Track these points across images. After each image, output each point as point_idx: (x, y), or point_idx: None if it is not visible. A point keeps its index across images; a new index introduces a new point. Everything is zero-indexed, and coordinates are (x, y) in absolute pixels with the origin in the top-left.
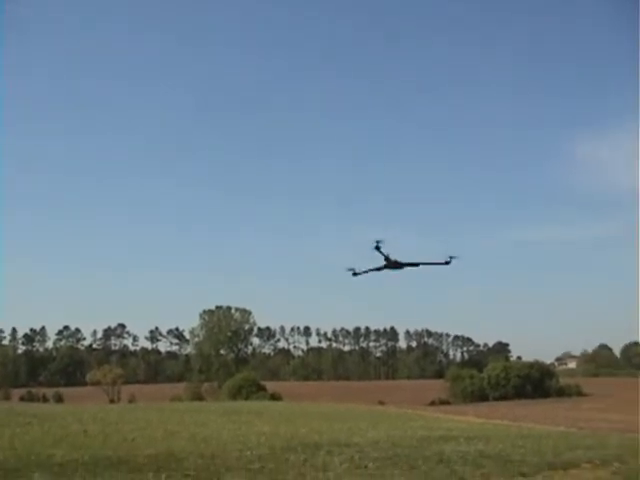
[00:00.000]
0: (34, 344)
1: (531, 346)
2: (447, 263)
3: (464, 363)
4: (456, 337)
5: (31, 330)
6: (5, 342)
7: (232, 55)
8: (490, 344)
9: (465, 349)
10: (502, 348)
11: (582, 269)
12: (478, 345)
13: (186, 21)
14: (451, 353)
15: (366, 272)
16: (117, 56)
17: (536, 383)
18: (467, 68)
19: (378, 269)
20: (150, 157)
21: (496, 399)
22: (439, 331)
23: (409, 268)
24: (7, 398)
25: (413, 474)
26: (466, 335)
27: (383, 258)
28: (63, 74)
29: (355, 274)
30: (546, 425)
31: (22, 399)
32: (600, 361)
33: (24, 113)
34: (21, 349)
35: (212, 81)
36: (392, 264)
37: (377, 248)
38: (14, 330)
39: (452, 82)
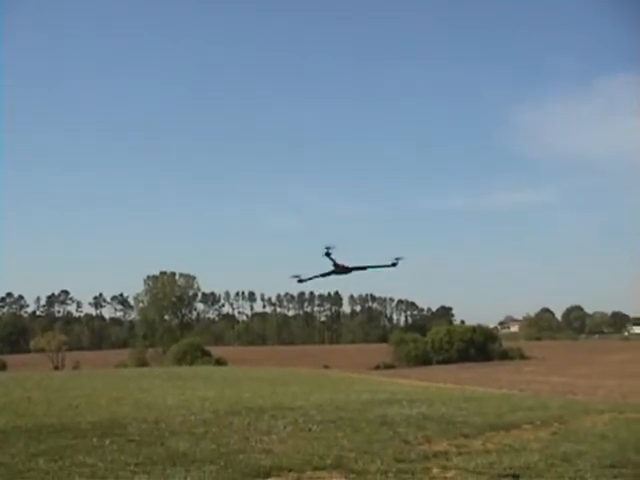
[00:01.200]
0: None
1: (474, 310)
2: (394, 265)
3: (408, 327)
4: (400, 301)
5: None
6: None
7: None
8: (434, 308)
9: (409, 313)
10: (445, 312)
11: (524, 233)
12: (422, 309)
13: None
14: (395, 317)
15: (311, 279)
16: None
17: (479, 347)
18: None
19: (324, 275)
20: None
21: (440, 363)
22: (383, 296)
23: None
24: None
25: (356, 436)
26: (410, 299)
27: (332, 263)
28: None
29: (300, 281)
30: (489, 388)
31: None
32: (542, 325)
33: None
34: None
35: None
36: (340, 269)
37: (327, 254)
38: None
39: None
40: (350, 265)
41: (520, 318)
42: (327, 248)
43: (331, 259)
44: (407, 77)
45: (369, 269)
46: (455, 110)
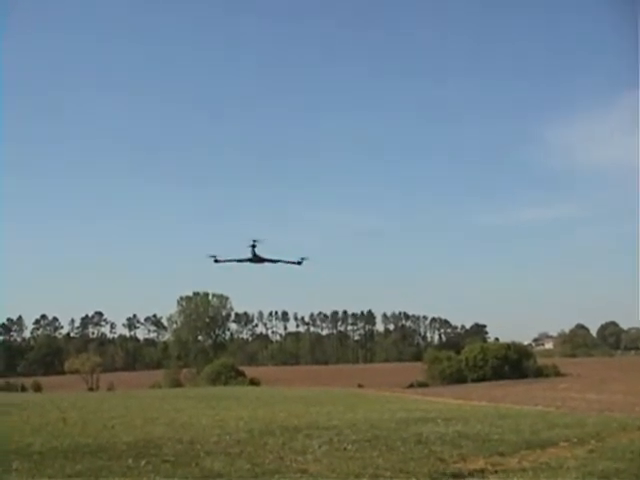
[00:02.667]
0: (11, 334)
1: (508, 327)
2: (299, 263)
3: (442, 345)
4: (433, 319)
5: (8, 320)
6: None
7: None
8: (467, 326)
9: (442, 331)
10: (479, 330)
11: (557, 250)
12: (455, 327)
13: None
14: (429, 335)
15: (229, 261)
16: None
17: (514, 364)
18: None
19: (240, 261)
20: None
21: (474, 381)
22: (416, 314)
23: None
24: None
25: (392, 455)
26: (443, 317)
27: (251, 252)
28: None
29: (216, 261)
30: (524, 405)
31: (0, 389)
32: (577, 341)
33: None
34: None
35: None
36: (255, 259)
37: (253, 246)
38: None
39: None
40: (265, 257)
41: (555, 335)
42: (254, 241)
43: (253, 251)
44: (435, 95)
45: (279, 263)
46: (483, 128)
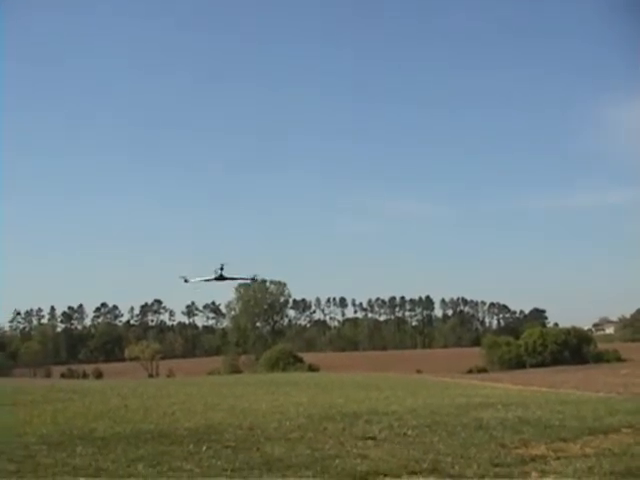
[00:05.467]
0: (72, 322)
1: (568, 312)
2: (254, 280)
3: (500, 330)
4: (492, 304)
5: (69, 308)
6: (44, 321)
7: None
8: (526, 311)
9: (501, 316)
10: (538, 315)
11: (618, 235)
12: (514, 312)
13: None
14: (487, 321)
15: (196, 281)
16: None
17: (573, 349)
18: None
19: (207, 280)
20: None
21: (533, 366)
22: (475, 299)
23: None
24: (48, 375)
25: (452, 440)
26: (502, 302)
27: (218, 274)
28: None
29: (186, 281)
30: (585, 391)
31: (63, 376)
32: (638, 326)
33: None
34: (60, 327)
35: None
36: (219, 278)
37: (221, 269)
38: (53, 309)
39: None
40: (227, 276)
41: (615, 319)
42: (222, 265)
43: (220, 272)
44: (491, 80)
45: (235, 280)
46: (537, 113)
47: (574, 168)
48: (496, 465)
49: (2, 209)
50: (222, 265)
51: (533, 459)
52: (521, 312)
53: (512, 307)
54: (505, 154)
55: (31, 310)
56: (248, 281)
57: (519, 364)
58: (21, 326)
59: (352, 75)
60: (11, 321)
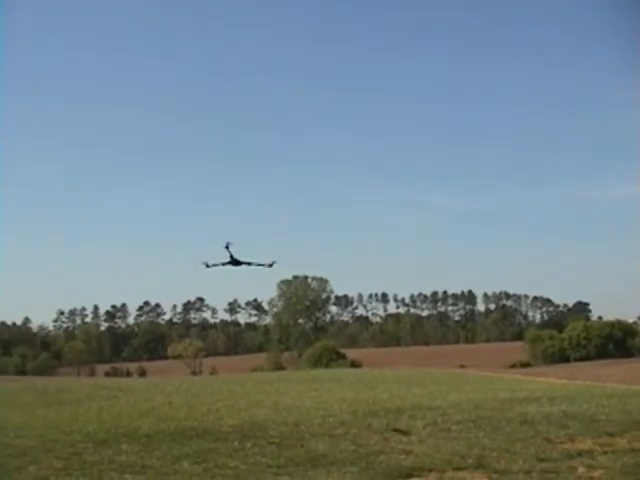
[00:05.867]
0: (116, 320)
1: (612, 305)
2: (270, 265)
3: (544, 324)
4: (535, 298)
5: (112, 307)
6: (88, 320)
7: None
8: (570, 304)
9: (544, 310)
10: (582, 308)
11: None
12: (558, 305)
13: None
14: (530, 315)
15: (216, 265)
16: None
17: (618, 342)
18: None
19: (224, 264)
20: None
21: (577, 360)
22: (517, 293)
23: None
24: (92, 374)
25: (497, 435)
26: (545, 296)
27: (229, 256)
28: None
29: (208, 266)
30: (631, 385)
31: (107, 374)
32: None
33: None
34: (104, 326)
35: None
36: (233, 262)
37: (227, 247)
38: (96, 308)
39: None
40: (242, 260)
41: None
42: (227, 243)
43: (229, 252)
44: (543, 76)
45: (251, 265)
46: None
47: (618, 157)
48: (542, 460)
49: (46, 209)
50: (228, 244)
51: (580, 454)
52: (564, 305)
53: (555, 300)
54: (546, 145)
55: (75, 309)
56: (263, 266)
57: (563, 358)
58: (65, 325)
59: (394, 72)
60: (55, 320)
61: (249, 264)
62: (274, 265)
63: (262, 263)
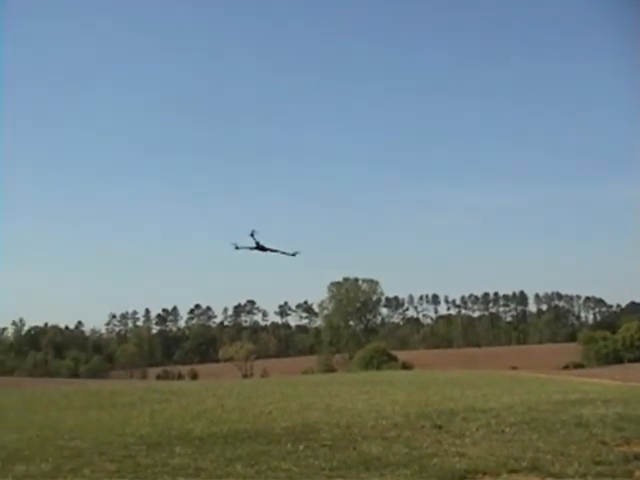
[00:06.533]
0: (167, 324)
1: None
2: (293, 255)
3: (597, 325)
4: (587, 299)
5: (164, 310)
6: (139, 323)
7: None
8: (623, 305)
9: (597, 311)
10: (635, 308)
11: None
12: (610, 306)
13: None
14: (583, 315)
15: (244, 248)
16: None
17: None
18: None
19: (251, 249)
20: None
21: (631, 361)
22: (570, 293)
23: None
24: (144, 377)
25: (551, 438)
26: (598, 296)
27: (254, 242)
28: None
29: (237, 248)
30: None
31: (158, 377)
32: None
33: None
34: (155, 329)
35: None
36: (259, 247)
37: (252, 235)
38: (147, 311)
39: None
40: (267, 246)
41: None
42: (252, 231)
43: (254, 239)
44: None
45: (276, 252)
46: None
47: None
48: (598, 463)
49: (100, 215)
50: (253, 231)
51: (636, 457)
52: (618, 306)
53: (608, 301)
54: (591, 144)
55: (126, 313)
56: (287, 254)
57: (616, 359)
58: (117, 329)
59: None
60: (107, 324)
61: (274, 251)
62: (297, 254)
63: (286, 252)
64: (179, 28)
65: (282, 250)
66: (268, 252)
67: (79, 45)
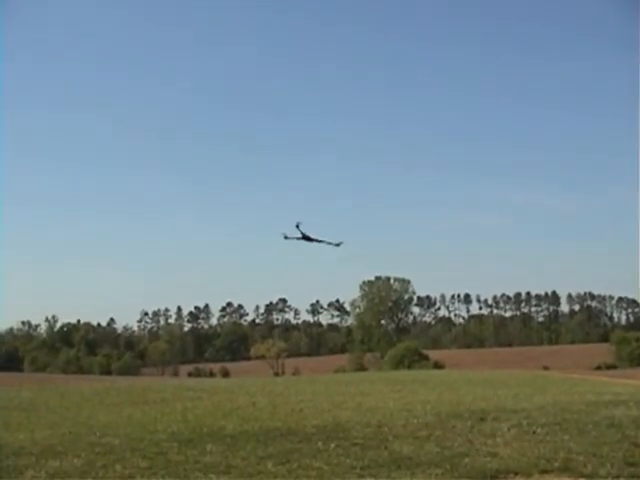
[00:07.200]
0: (199, 321)
1: None
2: (337, 245)
3: (630, 326)
4: (620, 299)
5: (196, 308)
6: (171, 321)
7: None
8: None
9: (630, 311)
10: None
11: None
12: None
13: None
14: (615, 316)
15: (292, 238)
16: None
17: None
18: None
19: (298, 239)
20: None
21: None
22: (602, 293)
23: None
24: (176, 374)
25: (583, 439)
26: (631, 297)
27: (300, 233)
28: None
29: (286, 237)
30: None
31: (190, 375)
32: None
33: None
34: (187, 327)
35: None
36: (305, 238)
37: (297, 226)
38: (179, 309)
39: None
40: (312, 237)
41: None
42: (298, 223)
43: (300, 231)
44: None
45: (321, 242)
46: None
47: None
48: (631, 465)
49: (131, 210)
50: (298, 223)
51: None
52: None
53: None
54: (621, 146)
55: (158, 310)
56: (331, 244)
57: None
58: (149, 326)
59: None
60: (139, 321)
61: (319, 241)
62: (340, 245)
63: (330, 242)
64: (192, 18)
65: (327, 240)
66: (314, 242)
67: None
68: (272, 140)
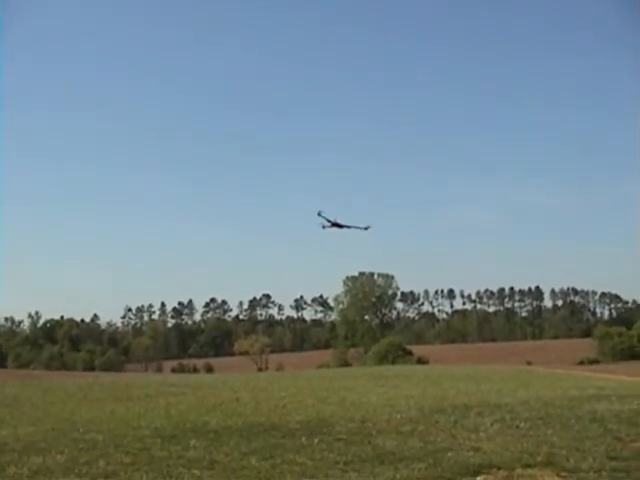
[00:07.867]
0: (183, 317)
1: None
2: (366, 229)
3: (612, 321)
4: (603, 294)
5: (179, 304)
6: (155, 316)
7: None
8: (639, 300)
9: (613, 306)
10: None
11: None
12: (626, 302)
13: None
14: (598, 311)
15: (328, 226)
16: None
17: None
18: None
19: (328, 226)
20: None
21: None
22: (585, 289)
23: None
24: (159, 370)
25: (566, 433)
26: (613, 292)
27: (327, 220)
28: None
29: (324, 227)
30: None
31: (174, 370)
32: None
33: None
34: (170, 323)
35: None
36: (335, 224)
37: (319, 214)
38: (163, 304)
39: None
40: (342, 223)
41: None
42: (319, 211)
43: (325, 217)
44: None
45: (350, 228)
46: None
47: None
48: (612, 459)
49: (113, 209)
50: (320, 212)
51: None
52: (633, 302)
53: (624, 297)
54: (618, 145)
55: (142, 306)
56: (360, 229)
57: (632, 355)
58: (132, 322)
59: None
60: (123, 317)
61: (349, 227)
62: (369, 228)
63: (359, 226)
64: (192, 18)
65: (355, 225)
66: (344, 228)
67: (79, 42)
68: (272, 140)
